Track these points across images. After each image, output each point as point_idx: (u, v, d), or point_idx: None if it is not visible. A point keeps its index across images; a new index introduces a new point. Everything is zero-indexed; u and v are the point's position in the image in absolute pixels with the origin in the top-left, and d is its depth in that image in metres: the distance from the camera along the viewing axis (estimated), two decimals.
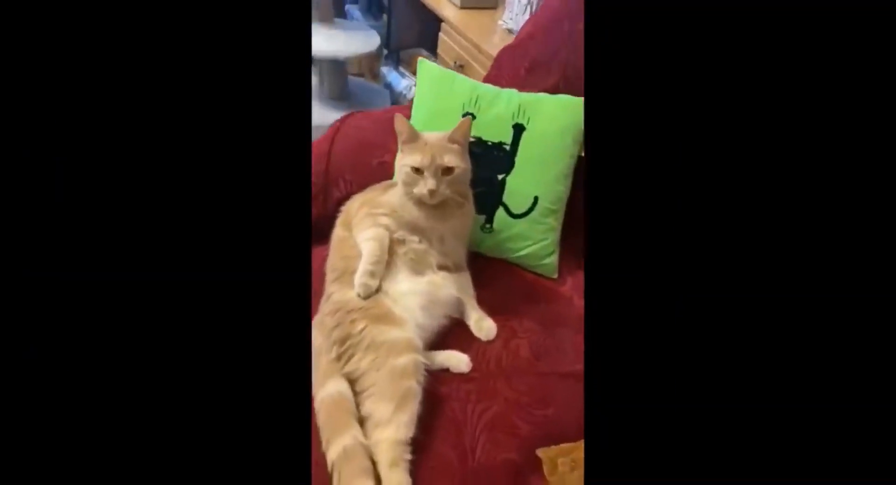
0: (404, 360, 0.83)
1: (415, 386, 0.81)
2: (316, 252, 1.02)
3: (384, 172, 1.15)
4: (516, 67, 1.26)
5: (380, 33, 2.37)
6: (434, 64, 1.20)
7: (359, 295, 0.90)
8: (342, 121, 1.23)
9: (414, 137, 0.95)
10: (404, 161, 0.95)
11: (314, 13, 2.26)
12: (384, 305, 0.90)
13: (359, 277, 0.91)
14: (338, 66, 2.34)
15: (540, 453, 0.80)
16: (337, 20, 2.36)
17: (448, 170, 0.93)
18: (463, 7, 1.95)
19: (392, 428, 0.78)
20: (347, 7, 2.84)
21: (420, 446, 0.81)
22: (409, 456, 0.77)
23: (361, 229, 0.98)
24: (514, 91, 1.13)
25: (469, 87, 1.14)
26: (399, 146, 0.98)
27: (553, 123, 1.09)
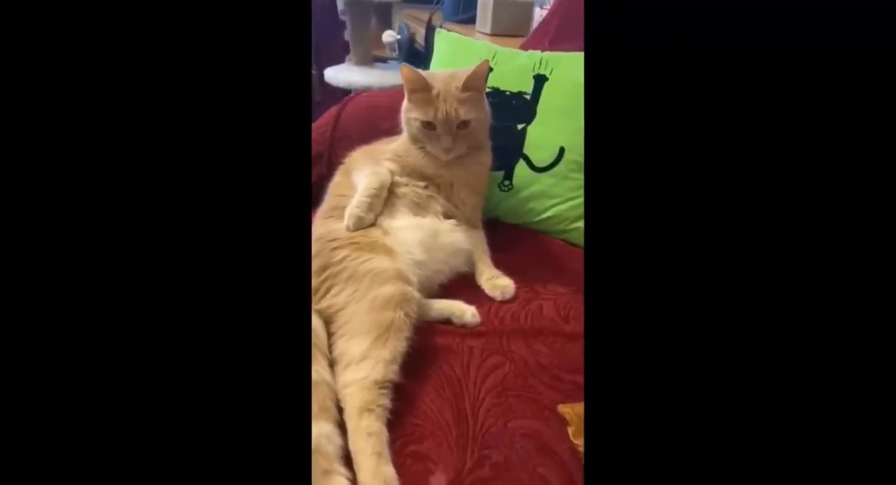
0: (389, 288, 0.66)
1: (400, 318, 0.64)
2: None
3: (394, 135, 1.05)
4: (540, 39, 1.19)
5: None
6: (452, 33, 1.15)
7: (347, 227, 0.76)
8: (355, 94, 1.17)
9: (424, 86, 0.82)
10: (413, 114, 0.83)
11: (353, 58, 2.38)
12: (373, 235, 0.75)
13: (351, 208, 0.77)
14: None
15: (563, 409, 0.59)
16: (376, 64, 2.45)
17: (464, 124, 0.81)
18: (493, 34, 1.96)
19: (366, 366, 0.60)
20: (389, 62, 2.98)
21: (404, 394, 0.62)
22: (386, 401, 0.59)
23: (360, 170, 0.86)
24: (536, 51, 1.05)
25: (487, 47, 1.06)
26: (406, 96, 0.86)
27: (579, 72, 0.97)
